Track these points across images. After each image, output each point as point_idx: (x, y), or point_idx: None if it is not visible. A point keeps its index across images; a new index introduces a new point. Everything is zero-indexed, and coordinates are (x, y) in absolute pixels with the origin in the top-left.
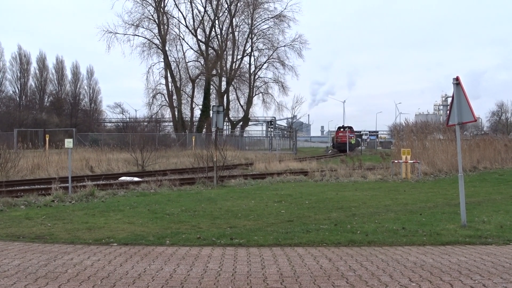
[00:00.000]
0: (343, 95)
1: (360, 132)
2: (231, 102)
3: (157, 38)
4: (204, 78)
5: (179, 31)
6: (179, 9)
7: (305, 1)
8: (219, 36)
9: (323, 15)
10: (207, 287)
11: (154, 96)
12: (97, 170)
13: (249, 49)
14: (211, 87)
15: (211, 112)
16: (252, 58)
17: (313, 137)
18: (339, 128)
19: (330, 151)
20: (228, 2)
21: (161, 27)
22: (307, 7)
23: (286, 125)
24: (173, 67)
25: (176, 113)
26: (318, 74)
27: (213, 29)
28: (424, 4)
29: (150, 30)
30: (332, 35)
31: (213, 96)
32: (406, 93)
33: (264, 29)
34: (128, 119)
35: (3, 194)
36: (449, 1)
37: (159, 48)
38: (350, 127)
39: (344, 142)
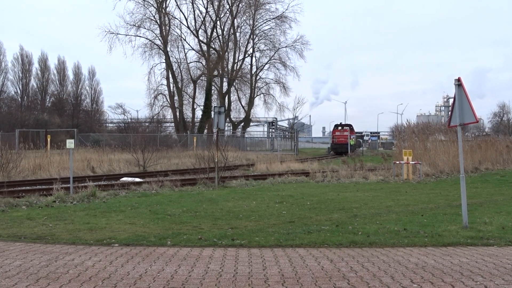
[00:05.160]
0: (345, 96)
1: (362, 132)
2: (232, 103)
3: (159, 39)
4: (205, 79)
5: (181, 32)
6: (180, 10)
7: (306, 1)
8: (220, 37)
9: (324, 14)
10: None
11: (155, 97)
12: (98, 170)
13: (251, 50)
14: (213, 87)
15: (212, 112)
16: (254, 59)
17: (315, 138)
18: (336, 126)
19: (331, 152)
20: (230, 3)
21: (163, 28)
22: (308, 6)
23: (287, 126)
24: (174, 68)
25: (178, 113)
26: (319, 74)
27: (215, 30)
28: (426, 5)
29: (151, 31)
30: (333, 35)
31: (214, 96)
32: (407, 94)
33: (265, 30)
34: (129, 120)
35: (4, 194)
36: (451, 1)
37: (160, 49)
38: (349, 125)
39: (343, 143)
